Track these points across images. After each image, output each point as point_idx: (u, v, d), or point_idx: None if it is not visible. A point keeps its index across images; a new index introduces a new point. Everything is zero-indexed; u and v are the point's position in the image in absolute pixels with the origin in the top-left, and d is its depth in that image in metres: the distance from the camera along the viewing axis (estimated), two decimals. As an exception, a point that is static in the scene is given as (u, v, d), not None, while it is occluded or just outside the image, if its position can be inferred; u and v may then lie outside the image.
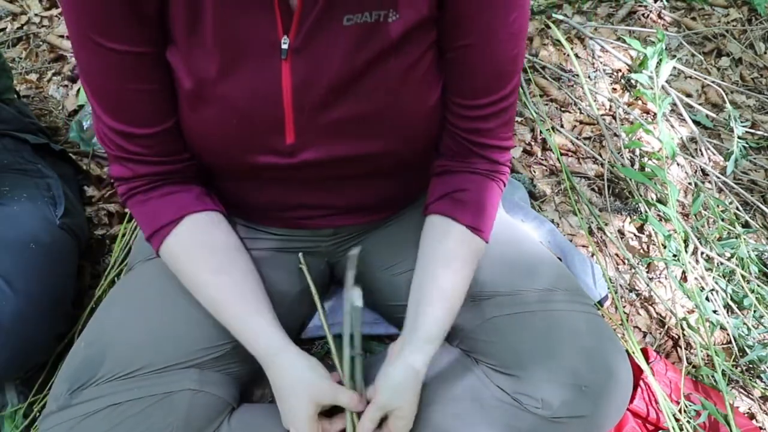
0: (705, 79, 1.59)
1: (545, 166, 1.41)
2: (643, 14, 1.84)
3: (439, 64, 0.65)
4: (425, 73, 0.63)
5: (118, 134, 0.62)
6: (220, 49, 0.57)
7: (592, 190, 1.39)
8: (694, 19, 1.85)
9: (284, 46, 0.57)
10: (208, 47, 0.57)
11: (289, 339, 0.69)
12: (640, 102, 1.58)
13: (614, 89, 1.62)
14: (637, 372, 0.98)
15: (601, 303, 1.12)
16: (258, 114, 0.61)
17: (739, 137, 1.36)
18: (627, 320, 1.12)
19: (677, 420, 0.95)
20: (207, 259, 0.68)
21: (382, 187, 0.76)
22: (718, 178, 1.38)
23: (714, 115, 1.54)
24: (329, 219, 0.78)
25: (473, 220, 0.70)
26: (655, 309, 1.19)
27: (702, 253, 1.21)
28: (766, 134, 1.52)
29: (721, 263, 1.20)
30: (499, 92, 0.65)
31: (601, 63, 1.66)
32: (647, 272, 1.25)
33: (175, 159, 0.66)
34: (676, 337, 1.14)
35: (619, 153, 1.40)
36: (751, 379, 1.10)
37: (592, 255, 1.23)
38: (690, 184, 1.40)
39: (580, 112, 1.54)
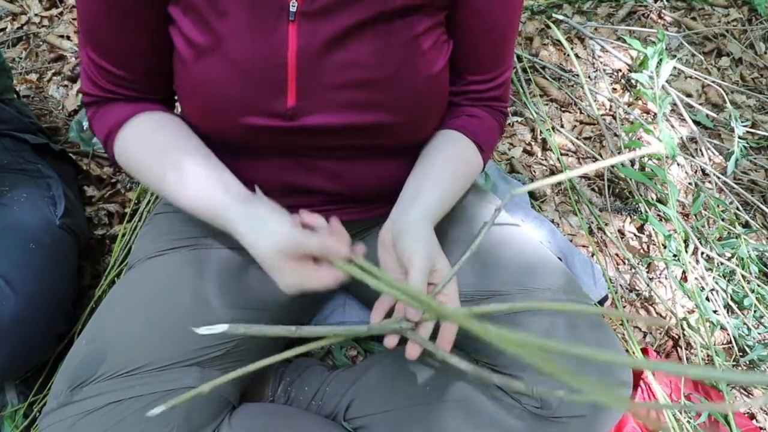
0: (705, 79, 1.59)
1: (545, 166, 1.41)
2: (643, 14, 1.84)
3: (445, 42, 0.68)
4: (430, 47, 0.65)
5: (98, 68, 0.66)
6: (230, 9, 0.59)
7: (592, 190, 1.39)
8: (694, 19, 1.85)
9: (292, 9, 0.59)
10: (220, 6, 0.59)
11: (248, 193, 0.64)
12: (640, 102, 1.58)
13: (614, 89, 1.62)
14: (637, 372, 0.98)
15: (601, 303, 1.12)
16: (262, 75, 0.61)
17: (739, 137, 1.36)
18: (627, 320, 1.12)
19: (677, 420, 0.95)
20: (156, 139, 0.66)
21: (382, 169, 0.75)
22: (719, 178, 1.38)
23: (714, 115, 1.54)
24: (329, 213, 0.78)
25: (481, 140, 0.74)
26: (655, 309, 1.19)
27: (702, 253, 1.21)
28: (766, 134, 1.52)
29: (722, 263, 1.20)
30: (506, 63, 0.74)
31: (601, 63, 1.66)
32: (647, 272, 1.25)
33: (147, 97, 0.70)
34: (676, 337, 1.14)
35: (619, 153, 1.40)
36: (751, 379, 1.10)
37: (592, 255, 1.23)
38: (690, 184, 1.40)
39: (580, 112, 1.54)
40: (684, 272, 1.18)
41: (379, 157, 0.73)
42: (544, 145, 1.44)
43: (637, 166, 1.40)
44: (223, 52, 0.61)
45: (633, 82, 1.61)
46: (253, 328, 0.51)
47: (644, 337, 1.14)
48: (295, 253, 0.57)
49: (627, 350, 1.03)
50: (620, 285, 1.21)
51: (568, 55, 1.60)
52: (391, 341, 0.59)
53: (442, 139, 0.73)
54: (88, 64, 0.67)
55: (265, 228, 0.58)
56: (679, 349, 1.11)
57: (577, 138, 1.45)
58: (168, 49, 0.66)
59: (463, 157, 0.72)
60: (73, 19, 1.56)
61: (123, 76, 0.67)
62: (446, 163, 0.70)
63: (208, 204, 0.62)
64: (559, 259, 1.13)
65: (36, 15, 1.57)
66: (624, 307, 1.17)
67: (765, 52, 1.79)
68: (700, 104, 1.58)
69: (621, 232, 1.31)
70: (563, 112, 1.54)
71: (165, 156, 0.65)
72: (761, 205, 1.35)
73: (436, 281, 0.60)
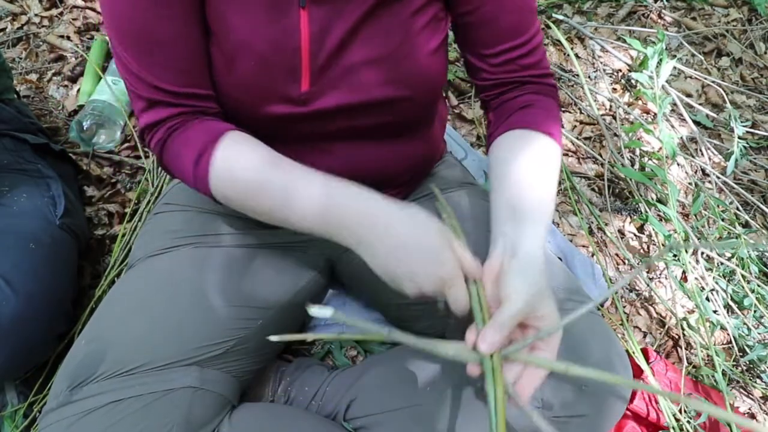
0: (705, 79, 1.59)
1: (545, 166, 1.41)
2: (643, 14, 1.84)
3: (443, 19, 0.70)
4: (429, 20, 0.67)
5: (146, 69, 0.62)
6: None
7: (592, 190, 1.39)
8: (694, 19, 1.85)
9: None
10: None
11: None
12: (640, 102, 1.58)
13: (614, 89, 1.61)
14: (637, 372, 0.98)
15: (601, 303, 1.12)
16: (276, 61, 0.63)
17: (739, 137, 1.36)
18: (627, 320, 1.12)
19: (677, 420, 0.95)
20: (261, 155, 0.63)
21: (395, 149, 0.77)
22: (718, 178, 1.38)
23: (714, 115, 1.54)
24: None
25: (547, 127, 0.71)
26: (655, 309, 1.19)
27: (702, 253, 1.21)
28: (766, 134, 1.52)
29: (721, 263, 1.20)
30: (532, 28, 0.72)
31: (601, 63, 1.66)
32: (647, 272, 1.25)
33: (204, 98, 0.66)
34: (676, 337, 1.14)
35: (619, 153, 1.40)
36: (751, 379, 1.10)
37: (592, 255, 1.23)
38: (690, 184, 1.40)
39: (580, 112, 1.54)
40: (684, 272, 1.18)
41: (388, 138, 0.75)
42: (544, 145, 1.44)
43: (637, 166, 1.40)
44: (240, 41, 0.62)
45: (633, 82, 1.61)
46: (350, 321, 0.51)
47: (644, 337, 1.14)
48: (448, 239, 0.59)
49: (627, 351, 1.03)
50: (620, 285, 1.21)
51: (568, 55, 1.60)
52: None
53: (513, 142, 0.70)
54: (142, 71, 0.62)
55: (424, 216, 0.60)
56: (679, 349, 1.11)
57: (577, 138, 1.45)
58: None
59: (543, 155, 0.69)
60: (74, 19, 1.56)
61: (182, 69, 0.63)
62: (533, 171, 0.67)
63: (358, 209, 0.60)
64: (559, 259, 1.13)
65: (36, 15, 1.57)
66: (624, 307, 1.17)
67: (765, 52, 1.79)
68: (700, 104, 1.58)
69: (621, 232, 1.31)
70: (563, 112, 1.54)
71: (284, 176, 0.62)
72: (761, 205, 1.35)
73: (538, 325, 0.57)
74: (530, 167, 0.67)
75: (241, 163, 0.62)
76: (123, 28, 0.61)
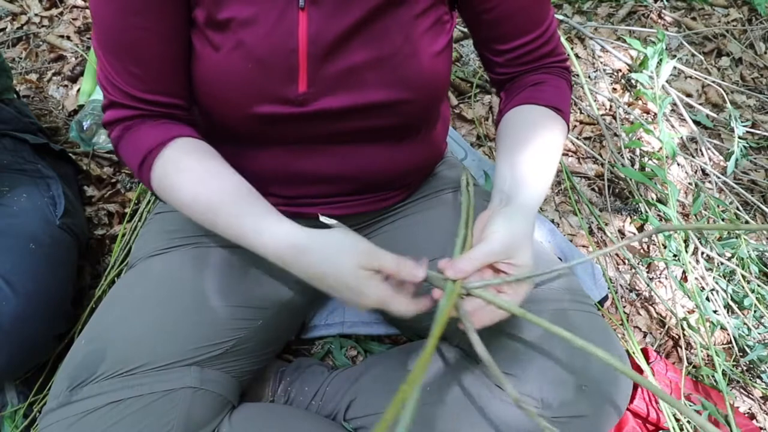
0: (705, 79, 1.59)
1: (545, 166, 1.41)
2: (643, 14, 1.84)
3: (448, 22, 0.70)
4: (433, 23, 0.67)
5: (117, 74, 0.64)
6: None
7: (592, 190, 1.39)
8: (694, 19, 1.85)
9: None
10: None
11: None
12: (640, 102, 1.58)
13: (614, 89, 1.61)
14: (637, 372, 0.98)
15: (601, 303, 1.12)
16: (273, 62, 0.62)
17: (739, 137, 1.36)
18: (627, 320, 1.12)
19: (677, 420, 0.95)
20: (198, 167, 0.65)
21: (391, 152, 0.76)
22: (719, 178, 1.38)
23: (714, 115, 1.54)
24: (339, 204, 0.78)
25: (556, 102, 0.73)
26: (655, 309, 1.19)
27: (702, 253, 1.21)
28: (766, 134, 1.52)
29: (722, 263, 1.20)
30: (547, 18, 0.74)
31: (601, 63, 1.66)
32: (647, 272, 1.25)
33: (170, 106, 0.67)
34: (677, 337, 1.14)
35: (619, 153, 1.40)
36: (751, 379, 1.10)
37: (593, 255, 1.23)
38: (690, 184, 1.39)
39: (581, 112, 1.54)
40: (684, 272, 1.18)
41: (388, 140, 0.74)
42: (544, 145, 1.44)
43: (637, 166, 1.40)
44: (237, 41, 0.61)
45: (633, 82, 1.61)
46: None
47: (644, 337, 1.14)
48: (370, 265, 0.59)
49: (627, 350, 1.03)
50: (620, 285, 1.21)
51: (568, 55, 1.60)
52: (437, 294, 0.59)
53: (522, 116, 0.73)
54: (114, 75, 0.64)
55: (337, 248, 0.60)
56: (679, 349, 1.11)
57: (577, 138, 1.45)
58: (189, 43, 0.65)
59: (549, 128, 0.71)
60: (74, 19, 1.57)
61: (152, 79, 0.64)
62: (538, 142, 0.69)
63: (278, 245, 0.62)
64: (560, 259, 1.13)
65: (36, 15, 1.57)
66: (624, 307, 1.17)
67: (765, 52, 1.79)
68: (700, 104, 1.58)
69: (621, 232, 1.31)
70: (563, 112, 1.54)
71: (211, 196, 0.64)
72: (761, 205, 1.35)
73: (511, 272, 0.59)
74: (536, 138, 0.69)
75: (177, 174, 0.64)
76: (101, 32, 0.62)
